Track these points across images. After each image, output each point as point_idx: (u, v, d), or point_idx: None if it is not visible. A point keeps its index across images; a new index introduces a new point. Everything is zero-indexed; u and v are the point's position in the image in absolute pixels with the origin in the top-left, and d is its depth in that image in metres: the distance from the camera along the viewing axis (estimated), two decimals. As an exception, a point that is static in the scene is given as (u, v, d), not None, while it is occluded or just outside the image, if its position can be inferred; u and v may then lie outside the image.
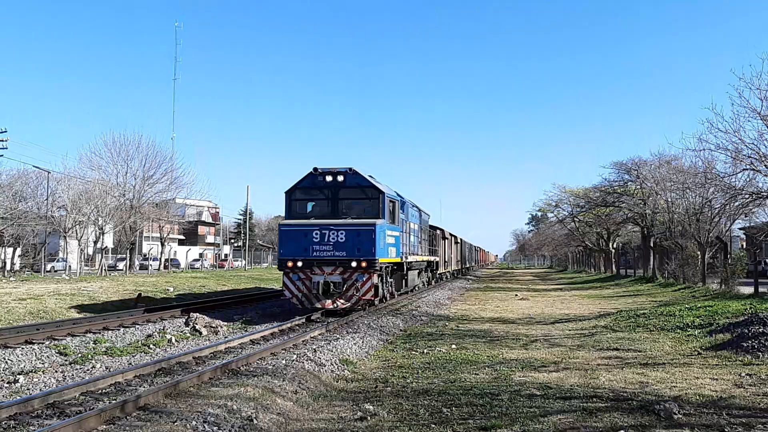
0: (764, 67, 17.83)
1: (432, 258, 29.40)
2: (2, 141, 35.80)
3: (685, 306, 17.34)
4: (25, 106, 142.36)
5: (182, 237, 79.37)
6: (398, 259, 18.59)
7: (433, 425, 6.65)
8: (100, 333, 13.47)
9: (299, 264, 16.37)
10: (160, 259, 52.59)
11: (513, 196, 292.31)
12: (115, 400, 7.48)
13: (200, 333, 14.26)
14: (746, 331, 11.53)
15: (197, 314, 15.44)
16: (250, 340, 12.80)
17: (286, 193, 17.54)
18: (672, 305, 18.50)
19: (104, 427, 6.34)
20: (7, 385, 8.81)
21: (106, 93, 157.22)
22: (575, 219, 55.25)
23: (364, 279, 16.21)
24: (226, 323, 15.76)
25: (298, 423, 6.94)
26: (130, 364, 10.55)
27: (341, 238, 16.16)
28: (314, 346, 11.34)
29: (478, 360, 10.74)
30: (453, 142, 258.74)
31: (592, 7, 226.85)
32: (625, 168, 40.71)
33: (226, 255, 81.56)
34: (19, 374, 9.44)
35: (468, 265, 58.14)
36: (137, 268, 49.37)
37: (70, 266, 43.91)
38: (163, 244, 52.38)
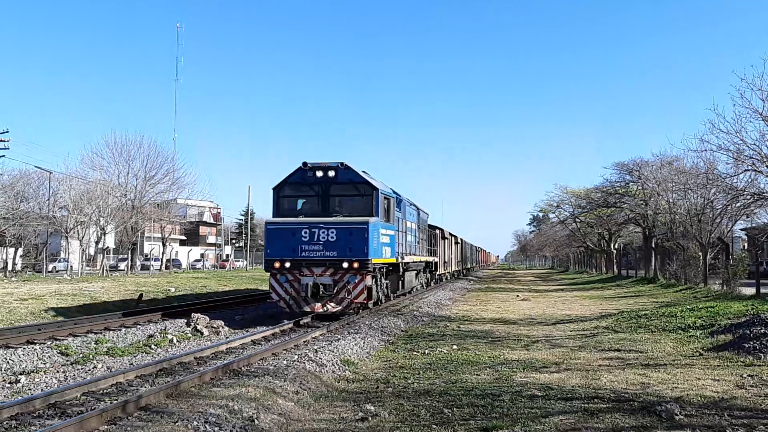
0: (766, 67, 17.69)
1: (431, 258, 28.67)
2: (4, 141, 35.82)
3: (686, 307, 17.32)
4: (26, 106, 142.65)
5: (184, 237, 79.41)
6: (393, 260, 17.81)
7: (435, 426, 6.65)
8: (101, 333, 13.48)
9: (287, 265, 15.45)
10: (162, 259, 52.63)
11: (514, 196, 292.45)
12: (116, 400, 7.49)
13: (201, 333, 14.27)
14: (748, 332, 11.51)
15: (198, 314, 15.44)
16: (252, 341, 12.80)
17: (273, 189, 16.67)
18: (673, 306, 18.48)
19: (106, 427, 6.35)
20: (9, 385, 8.82)
21: (107, 93, 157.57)
22: (577, 220, 55.20)
23: (357, 281, 15.32)
24: (227, 323, 15.75)
25: (299, 423, 6.94)
26: (132, 364, 10.56)
27: (332, 237, 15.30)
28: (315, 347, 11.34)
29: (480, 361, 10.74)
30: (454, 141, 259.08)
31: (592, 6, 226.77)
32: (626, 169, 40.73)
33: (227, 255, 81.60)
34: (20, 374, 9.45)
35: (469, 266, 58.04)
36: (138, 268, 49.42)
37: (71, 266, 43.96)
38: (164, 245, 52.43)
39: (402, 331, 15.20)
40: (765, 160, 18.69)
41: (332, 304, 15.42)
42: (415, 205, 23.87)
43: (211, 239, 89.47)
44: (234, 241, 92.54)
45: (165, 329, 14.30)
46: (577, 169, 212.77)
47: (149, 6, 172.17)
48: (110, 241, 47.16)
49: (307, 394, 8.15)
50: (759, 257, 27.05)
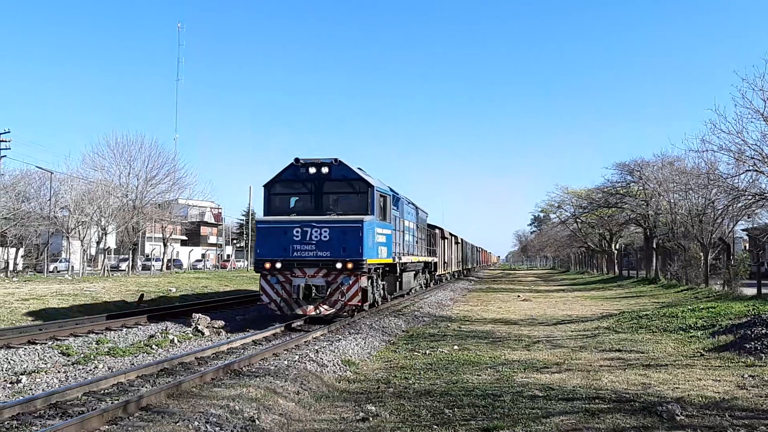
0: (767, 68, 17.71)
1: (430, 259, 28.05)
2: (5, 142, 35.86)
3: (687, 307, 17.31)
4: (27, 106, 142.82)
5: (185, 238, 79.48)
6: (390, 260, 17.21)
7: (435, 426, 6.65)
8: (102, 333, 13.48)
9: (278, 265, 14.81)
10: (163, 259, 52.67)
11: (515, 196, 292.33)
12: (117, 400, 7.49)
13: (202, 333, 14.27)
14: (749, 332, 11.51)
15: (200, 315, 15.44)
16: (253, 341, 12.81)
17: (264, 186, 15.99)
18: (674, 306, 18.47)
19: (107, 427, 6.35)
20: (10, 386, 8.83)
21: (108, 93, 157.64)
22: (578, 220, 55.19)
23: (351, 282, 14.69)
24: (228, 323, 15.75)
25: (300, 424, 6.95)
26: (133, 364, 10.56)
27: (325, 237, 14.69)
28: (316, 347, 11.34)
29: (481, 361, 10.74)
30: (454, 141, 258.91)
31: (592, 5, 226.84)
32: (627, 169, 40.69)
33: (228, 255, 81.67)
34: (21, 374, 9.46)
35: (469, 266, 57.94)
36: (140, 268, 49.50)
37: (72, 267, 43.98)
38: (165, 245, 52.46)
39: (403, 331, 15.20)
40: (766, 160, 18.68)
41: (325, 306, 14.81)
42: (413, 204, 23.36)
43: (212, 239, 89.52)
44: (235, 241, 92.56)
45: (166, 329, 14.31)
46: (578, 169, 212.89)
47: (149, 9, 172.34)
48: (111, 242, 47.20)
49: (308, 395, 8.15)
50: (760, 257, 27.05)
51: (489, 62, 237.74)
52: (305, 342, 12.41)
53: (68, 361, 10.78)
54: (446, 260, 37.04)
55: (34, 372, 9.73)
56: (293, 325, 14.83)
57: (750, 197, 21.51)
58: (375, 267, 16.01)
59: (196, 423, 6.33)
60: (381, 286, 17.55)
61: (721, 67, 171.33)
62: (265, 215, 15.80)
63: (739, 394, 7.95)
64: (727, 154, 20.46)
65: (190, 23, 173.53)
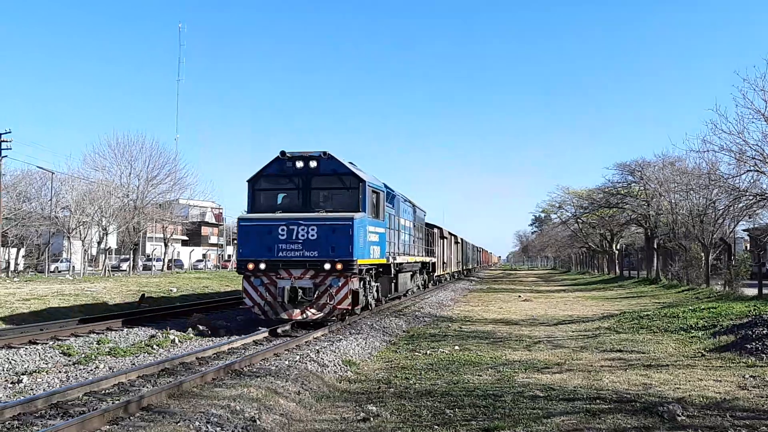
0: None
1: (428, 259, 27.22)
2: (6, 142, 35.89)
3: (688, 307, 17.30)
4: (28, 107, 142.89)
5: (185, 238, 79.52)
6: (383, 260, 16.32)
7: (436, 426, 6.65)
8: (103, 333, 13.49)
9: (262, 266, 13.94)
10: (164, 259, 52.72)
11: (515, 196, 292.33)
12: (118, 400, 7.50)
13: (203, 333, 14.26)
14: (750, 332, 11.51)
15: (201, 315, 15.44)
16: (253, 341, 12.81)
17: (248, 181, 15.04)
18: (675, 307, 18.46)
19: (107, 427, 6.36)
20: (11, 386, 8.83)
21: (109, 93, 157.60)
22: (578, 220, 55.20)
23: (340, 284, 13.80)
24: (228, 323, 15.75)
25: (301, 424, 6.95)
26: (134, 364, 10.56)
27: (312, 235, 13.79)
28: (317, 347, 11.34)
29: (481, 361, 10.74)
30: (455, 140, 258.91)
31: (592, 5, 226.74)
32: (628, 169, 40.72)
33: (229, 256, 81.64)
34: (22, 374, 9.46)
35: (470, 267, 57.85)
36: (140, 268, 49.54)
37: (73, 267, 44.05)
38: (166, 245, 52.52)
39: (403, 331, 15.19)
40: (767, 160, 18.67)
41: (312, 310, 13.96)
42: (410, 202, 22.54)
43: (213, 239, 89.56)
44: (236, 241, 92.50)
45: (167, 329, 14.31)
46: (578, 169, 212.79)
47: (150, 9, 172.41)
48: (112, 242, 47.27)
49: (309, 395, 8.15)
50: (761, 258, 26.98)
51: (489, 61, 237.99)
52: (306, 342, 12.41)
53: (69, 361, 10.78)
54: (445, 260, 36.39)
55: (35, 372, 9.73)
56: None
57: (751, 197, 21.52)
58: (367, 268, 15.19)
59: (197, 423, 6.33)
60: (374, 288, 16.72)
61: (722, 67, 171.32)
62: (249, 212, 14.94)
63: (740, 395, 7.95)
64: (728, 154, 20.52)
65: (190, 22, 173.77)
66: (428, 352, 11.80)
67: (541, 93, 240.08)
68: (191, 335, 13.88)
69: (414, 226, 22.75)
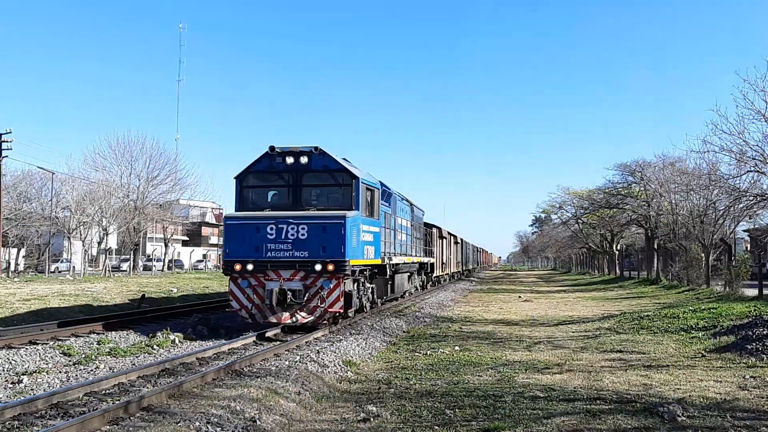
0: (768, 68, 17.79)
1: (426, 259, 26.58)
2: (7, 142, 35.91)
3: (688, 308, 17.30)
4: (28, 107, 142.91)
5: (186, 238, 79.55)
6: (378, 261, 15.71)
7: (437, 427, 6.65)
8: (103, 334, 13.50)
9: (249, 267, 13.30)
10: (164, 260, 52.73)
11: (516, 196, 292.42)
12: (118, 400, 7.50)
13: (203, 334, 14.26)
14: (750, 333, 11.50)
15: (201, 315, 15.43)
16: (254, 341, 12.81)
17: (235, 178, 14.43)
18: (676, 307, 18.47)
19: (108, 427, 6.36)
20: (11, 386, 8.84)
21: (110, 94, 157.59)
22: (579, 221, 55.22)
23: (332, 286, 13.20)
24: (229, 324, 15.74)
25: (301, 424, 6.95)
26: (134, 364, 10.57)
27: (302, 235, 13.17)
28: (317, 347, 11.34)
29: (482, 362, 10.74)
30: (455, 139, 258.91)
31: (591, 6, 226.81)
32: (629, 170, 40.74)
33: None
34: (23, 374, 9.46)
35: (470, 267, 57.80)
36: (141, 269, 49.55)
37: (73, 267, 44.08)
38: (166, 245, 52.55)
39: (404, 332, 15.19)
40: (767, 161, 18.68)
41: (303, 313, 13.32)
42: (407, 200, 21.91)
43: (214, 240, 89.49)
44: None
45: (167, 330, 14.30)
46: (579, 171, 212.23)
47: (151, 9, 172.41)
48: (113, 242, 47.33)
49: (309, 395, 8.15)
50: (762, 258, 27.00)
51: (490, 61, 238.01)
52: (306, 342, 12.41)
53: (69, 361, 10.79)
54: (444, 261, 35.87)
55: (35, 372, 9.74)
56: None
57: (751, 198, 21.52)
58: (361, 269, 14.62)
59: (197, 423, 6.33)
60: (369, 290, 16.16)
61: (723, 67, 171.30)
62: (237, 210, 14.32)
63: (740, 395, 7.95)
64: (729, 154, 20.53)
65: (190, 22, 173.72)
66: (428, 352, 11.81)
67: (542, 93, 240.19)
68: (191, 335, 13.88)
69: (412, 225, 22.26)
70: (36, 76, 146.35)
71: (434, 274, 31.22)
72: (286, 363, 9.72)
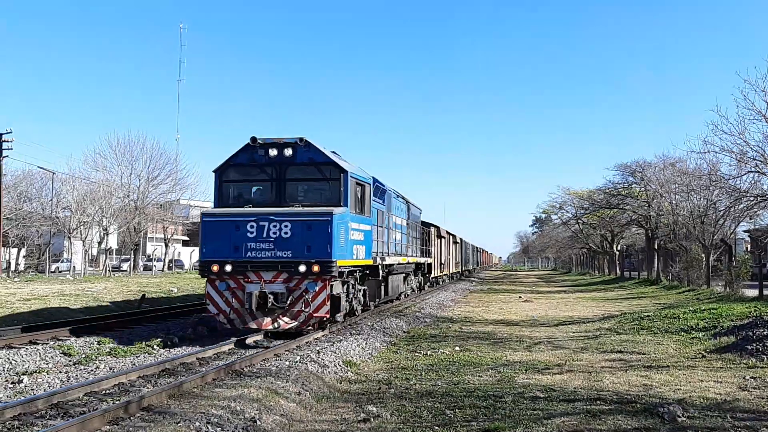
0: (769, 69, 17.78)
1: (423, 259, 25.64)
2: (7, 142, 35.92)
3: (689, 308, 17.30)
4: (29, 106, 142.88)
5: (186, 238, 79.40)
6: (370, 261, 14.82)
7: (437, 427, 6.65)
8: (103, 334, 13.49)
9: (228, 268, 12.36)
10: (164, 260, 52.73)
11: (516, 196, 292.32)
12: (118, 400, 7.50)
13: (204, 334, 14.25)
14: (751, 333, 11.50)
15: (201, 315, 15.41)
16: (254, 341, 12.80)
17: (215, 171, 13.54)
18: (676, 308, 18.46)
19: (108, 427, 6.36)
20: (12, 386, 8.84)
21: (110, 94, 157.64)
22: (579, 221, 55.20)
23: (317, 289, 12.26)
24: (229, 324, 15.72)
25: (301, 424, 6.95)
26: (134, 364, 10.57)
27: (286, 233, 12.22)
28: (317, 348, 11.34)
29: (482, 362, 10.74)
30: (455, 138, 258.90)
31: (591, 6, 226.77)
32: (629, 170, 40.75)
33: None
34: (23, 374, 9.47)
35: (470, 268, 57.67)
36: (141, 268, 49.55)
37: (74, 267, 44.10)
38: (167, 245, 52.57)
39: (404, 332, 15.19)
40: (768, 161, 18.69)
41: (285, 318, 12.42)
42: (404, 198, 20.83)
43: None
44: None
45: (167, 330, 14.30)
46: (580, 171, 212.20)
47: (151, 9, 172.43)
48: (113, 242, 47.34)
49: (309, 395, 8.15)
50: (762, 259, 27.01)
51: (490, 60, 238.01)
52: (306, 342, 12.40)
53: (70, 361, 10.79)
54: (443, 261, 35.07)
55: (35, 372, 9.74)
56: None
57: (752, 198, 21.53)
58: (350, 270, 13.70)
59: (197, 423, 6.33)
60: (361, 292, 15.30)
61: (723, 67, 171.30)
62: (216, 207, 13.44)
63: (740, 396, 7.95)
64: (729, 155, 20.55)
65: (191, 22, 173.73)
66: (429, 352, 11.80)
67: (542, 93, 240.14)
68: (192, 335, 13.87)
69: (408, 224, 21.36)
70: (36, 76, 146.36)
71: (432, 275, 30.37)
72: (287, 363, 9.72)
